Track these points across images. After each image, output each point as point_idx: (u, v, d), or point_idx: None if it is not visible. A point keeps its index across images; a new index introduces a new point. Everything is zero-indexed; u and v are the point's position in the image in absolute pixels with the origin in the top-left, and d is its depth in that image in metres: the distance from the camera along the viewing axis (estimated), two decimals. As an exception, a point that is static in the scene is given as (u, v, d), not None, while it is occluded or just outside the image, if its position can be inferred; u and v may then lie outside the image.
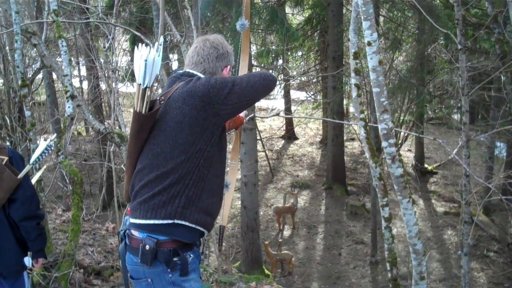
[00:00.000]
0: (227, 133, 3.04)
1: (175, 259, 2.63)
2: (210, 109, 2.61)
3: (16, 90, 7.06)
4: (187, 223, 2.63)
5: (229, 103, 2.62)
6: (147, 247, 2.61)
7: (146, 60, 2.58)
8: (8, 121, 7.19)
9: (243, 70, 3.36)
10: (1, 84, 7.91)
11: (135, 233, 2.68)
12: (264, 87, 2.75)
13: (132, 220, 2.72)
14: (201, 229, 2.70)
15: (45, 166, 5.16)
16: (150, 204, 2.63)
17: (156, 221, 2.62)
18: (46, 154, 3.87)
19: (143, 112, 2.67)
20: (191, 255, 2.71)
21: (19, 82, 6.00)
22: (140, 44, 2.68)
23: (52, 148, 3.88)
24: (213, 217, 2.78)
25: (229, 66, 2.90)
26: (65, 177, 7.27)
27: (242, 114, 3.37)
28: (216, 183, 2.76)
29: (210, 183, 2.69)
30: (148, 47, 2.63)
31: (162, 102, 2.70)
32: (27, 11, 10.47)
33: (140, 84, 2.63)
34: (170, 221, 2.61)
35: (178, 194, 2.61)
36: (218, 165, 2.74)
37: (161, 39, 2.81)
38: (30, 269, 3.82)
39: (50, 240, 5.84)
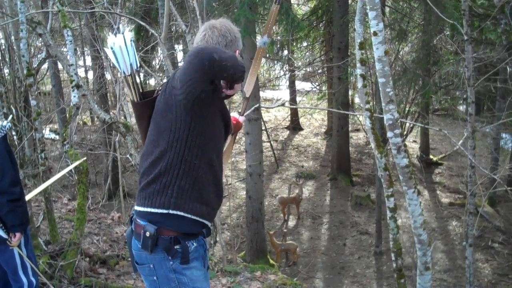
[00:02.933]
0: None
1: (176, 247, 2.65)
2: (171, 94, 2.62)
3: (22, 79, 7.09)
4: (182, 213, 2.64)
5: (178, 86, 2.56)
6: (148, 233, 2.64)
7: (112, 48, 2.59)
8: (14, 110, 7.22)
9: (249, 85, 3.36)
10: (7, 74, 7.93)
11: (138, 219, 2.72)
12: (198, 61, 2.46)
13: (135, 207, 2.76)
14: (199, 219, 2.70)
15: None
16: (147, 191, 2.68)
17: (152, 210, 2.65)
18: (2, 133, 3.87)
19: (135, 100, 2.75)
20: (194, 243, 2.71)
21: (25, 71, 6.02)
22: (110, 34, 2.69)
23: (7, 128, 3.90)
24: (210, 207, 2.75)
25: (237, 51, 2.85)
26: (71, 166, 7.29)
27: (241, 120, 3.38)
28: (212, 173, 2.73)
29: (203, 172, 2.67)
30: (118, 35, 2.63)
31: (159, 92, 2.73)
32: (32, 0, 10.47)
33: (122, 73, 2.66)
34: (165, 211, 2.63)
35: (170, 184, 2.62)
36: (212, 154, 2.71)
37: (123, 28, 2.77)
38: (8, 241, 3.87)
39: (56, 229, 5.87)
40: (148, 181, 2.67)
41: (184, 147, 2.60)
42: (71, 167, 4.81)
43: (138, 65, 2.71)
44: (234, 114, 3.36)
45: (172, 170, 2.62)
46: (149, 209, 2.66)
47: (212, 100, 2.61)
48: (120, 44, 2.59)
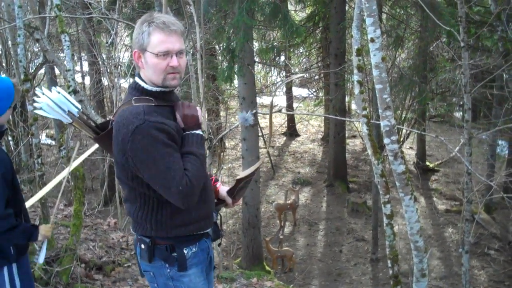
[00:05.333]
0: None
1: (173, 254, 2.64)
2: (127, 161, 2.47)
3: (19, 84, 7.06)
4: (168, 236, 2.63)
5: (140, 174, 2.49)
6: (143, 246, 2.66)
7: (42, 109, 2.60)
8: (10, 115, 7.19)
9: (245, 172, 3.07)
10: (4, 79, 7.89)
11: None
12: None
13: None
14: (189, 234, 2.66)
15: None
16: (131, 217, 2.69)
17: (138, 235, 2.69)
18: None
19: (92, 136, 2.75)
20: (193, 248, 2.68)
21: (22, 76, 6.00)
22: (34, 96, 2.66)
23: None
24: (199, 219, 2.67)
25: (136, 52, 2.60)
26: (67, 172, 7.30)
27: (221, 191, 3.04)
28: None
29: None
30: (42, 96, 2.60)
31: (113, 122, 2.57)
32: (29, 5, 10.47)
33: (66, 123, 2.67)
34: (149, 237, 2.64)
35: (147, 218, 2.59)
36: None
37: (41, 90, 2.68)
38: None
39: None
40: (129, 211, 2.68)
41: (147, 188, 2.52)
42: (67, 172, 4.74)
43: (78, 106, 2.66)
44: (223, 188, 3.08)
45: (146, 205, 2.57)
46: (135, 233, 2.72)
47: None
48: (47, 102, 2.57)
